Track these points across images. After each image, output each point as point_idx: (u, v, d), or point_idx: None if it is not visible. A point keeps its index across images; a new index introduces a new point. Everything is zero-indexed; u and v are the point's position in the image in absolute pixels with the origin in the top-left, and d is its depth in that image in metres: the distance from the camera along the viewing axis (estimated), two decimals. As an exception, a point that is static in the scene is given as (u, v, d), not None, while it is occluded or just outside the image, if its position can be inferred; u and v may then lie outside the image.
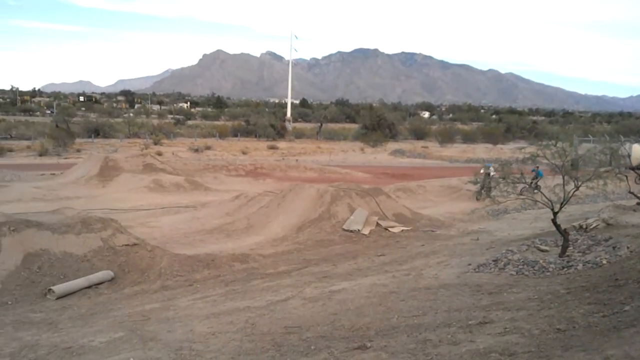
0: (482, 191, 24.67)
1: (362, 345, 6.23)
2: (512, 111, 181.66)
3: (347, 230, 17.19)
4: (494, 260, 10.70)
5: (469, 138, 77.11)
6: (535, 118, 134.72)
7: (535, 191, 16.39)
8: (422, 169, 43.70)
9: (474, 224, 19.67)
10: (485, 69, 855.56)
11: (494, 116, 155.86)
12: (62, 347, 7.35)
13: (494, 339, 5.86)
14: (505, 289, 8.42)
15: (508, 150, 55.25)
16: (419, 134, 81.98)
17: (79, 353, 7.07)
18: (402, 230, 17.58)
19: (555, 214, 10.88)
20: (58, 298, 10.94)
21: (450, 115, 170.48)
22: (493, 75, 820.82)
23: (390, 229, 17.60)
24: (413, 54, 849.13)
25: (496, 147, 63.55)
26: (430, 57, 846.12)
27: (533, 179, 22.33)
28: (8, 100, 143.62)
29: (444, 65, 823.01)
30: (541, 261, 10.08)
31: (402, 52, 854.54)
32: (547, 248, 11.40)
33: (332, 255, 14.49)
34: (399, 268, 11.75)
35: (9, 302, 10.58)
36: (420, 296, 8.58)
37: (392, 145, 64.20)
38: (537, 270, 9.58)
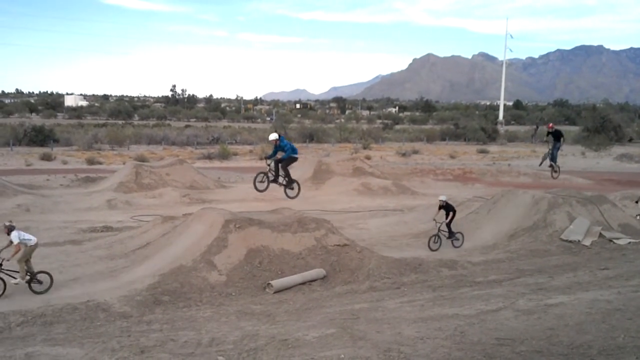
0: None
1: (584, 365, 5.73)
2: None
3: (566, 241, 16.19)
4: None
5: None
6: None
7: None
8: (654, 176, 39.06)
9: None
10: None
11: None
12: (279, 338, 7.87)
13: None
14: None
15: None
16: (650, 137, 73.55)
17: (294, 346, 7.49)
18: (630, 243, 16.30)
19: None
20: (275, 292, 11.79)
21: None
22: None
23: (615, 240, 16.36)
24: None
25: None
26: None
27: None
28: (233, 108, 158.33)
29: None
30: None
31: (631, 48, 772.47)
32: None
33: (548, 267, 13.72)
34: (626, 284, 10.84)
35: (233, 294, 11.66)
36: (651, 316, 7.73)
37: (618, 149, 58.45)
38: None
